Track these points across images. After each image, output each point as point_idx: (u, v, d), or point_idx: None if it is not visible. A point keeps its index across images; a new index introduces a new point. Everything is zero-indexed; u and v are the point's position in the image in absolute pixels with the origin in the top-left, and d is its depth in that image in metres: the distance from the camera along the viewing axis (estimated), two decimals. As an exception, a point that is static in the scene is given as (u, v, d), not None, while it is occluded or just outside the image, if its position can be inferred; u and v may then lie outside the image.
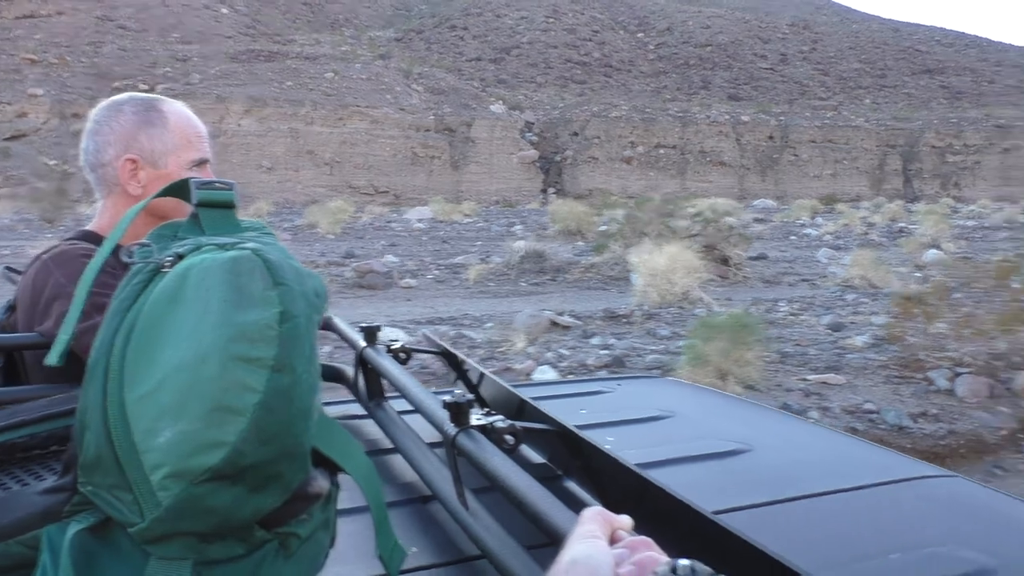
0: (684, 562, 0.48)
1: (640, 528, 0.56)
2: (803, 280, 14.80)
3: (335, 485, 0.81)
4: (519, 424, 0.94)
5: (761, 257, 17.20)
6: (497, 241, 20.24)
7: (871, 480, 1.31)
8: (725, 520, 0.69)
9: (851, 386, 6.98)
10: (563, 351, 7.87)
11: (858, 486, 1.28)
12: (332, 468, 0.80)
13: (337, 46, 70.93)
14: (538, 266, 14.51)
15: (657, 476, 0.83)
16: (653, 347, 8.21)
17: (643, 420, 1.61)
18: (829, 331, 9.16)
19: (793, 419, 1.99)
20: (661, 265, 11.02)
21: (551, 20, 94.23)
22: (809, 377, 7.08)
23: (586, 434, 0.96)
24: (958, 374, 7.03)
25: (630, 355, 7.75)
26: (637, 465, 0.87)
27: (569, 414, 1.24)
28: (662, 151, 64.91)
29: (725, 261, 14.85)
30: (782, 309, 10.63)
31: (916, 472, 1.39)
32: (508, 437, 0.92)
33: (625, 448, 1.29)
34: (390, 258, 16.72)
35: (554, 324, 9.59)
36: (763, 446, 1.47)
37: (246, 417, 0.61)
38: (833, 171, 65.22)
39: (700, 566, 0.48)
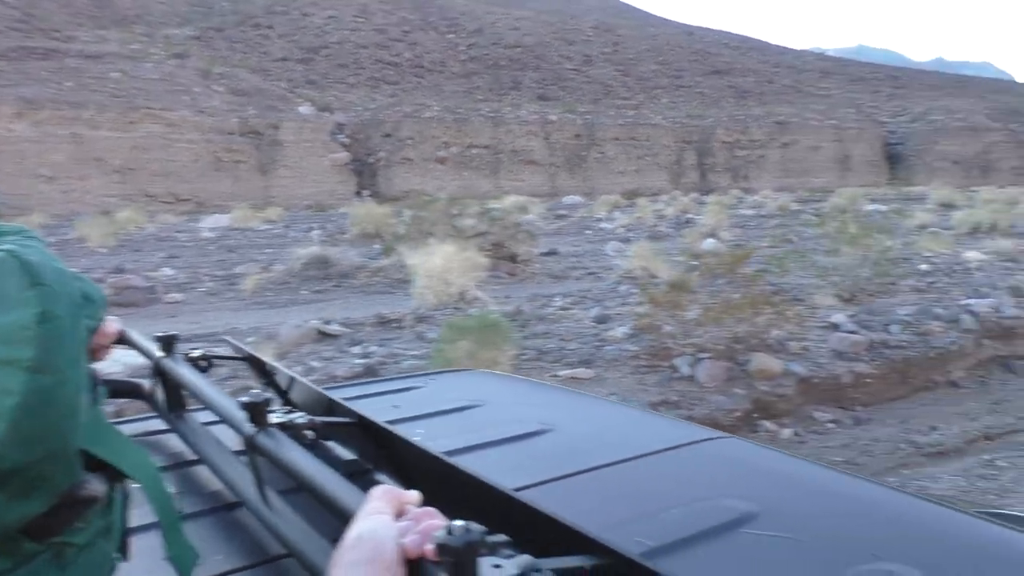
0: (458, 523, 0.51)
1: (446, 509, 0.57)
2: (589, 274, 15.15)
3: (121, 492, 0.77)
4: (319, 419, 0.95)
5: (552, 253, 17.48)
6: (291, 248, 19.34)
7: (659, 447, 1.42)
8: (525, 494, 0.75)
9: (600, 379, 7.05)
10: (315, 363, 7.44)
11: (647, 453, 1.39)
12: (114, 475, 0.76)
13: (126, 44, 65.98)
14: (323, 272, 13.93)
15: (464, 461, 0.87)
16: (416, 351, 7.95)
17: (453, 411, 1.67)
18: (595, 324, 9.30)
19: (594, 399, 2.16)
20: (437, 266, 10.81)
21: (360, 20, 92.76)
22: (560, 373, 7.08)
23: (395, 427, 0.98)
24: (700, 360, 7.29)
25: (387, 362, 7.45)
26: (445, 452, 0.90)
27: (382, 411, 1.36)
28: (475, 151, 65.49)
29: (513, 258, 14.94)
30: (556, 304, 10.73)
31: (698, 436, 1.52)
32: (308, 432, 0.92)
33: (435, 438, 1.38)
34: (166, 271, 15.52)
35: (321, 333, 9.13)
36: (564, 425, 1.56)
37: (3, 420, 0.58)
38: (637, 167, 68.44)
39: (474, 525, 0.50)
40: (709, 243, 18.33)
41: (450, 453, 1.03)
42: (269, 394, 0.97)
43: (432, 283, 10.77)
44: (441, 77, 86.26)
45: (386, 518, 0.57)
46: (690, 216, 27.27)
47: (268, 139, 56.61)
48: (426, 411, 1.64)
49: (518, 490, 0.86)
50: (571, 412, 1.76)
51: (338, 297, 12.76)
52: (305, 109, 63.66)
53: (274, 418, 0.92)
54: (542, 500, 0.71)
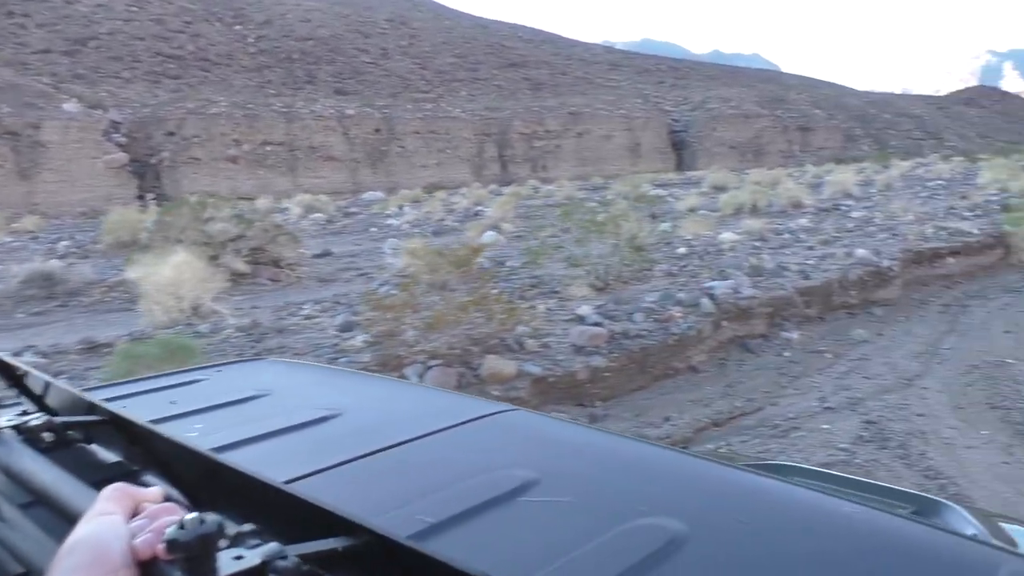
0: (192, 515, 0.48)
1: (216, 507, 0.54)
2: (361, 275, 14.38)
3: None
4: (59, 419, 0.89)
5: (325, 254, 16.57)
6: (31, 263, 17.06)
7: (447, 423, 1.42)
8: (307, 482, 0.76)
9: (318, 399, 6.39)
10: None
11: (435, 430, 1.39)
12: None
13: None
14: (47, 291, 12.22)
15: (245, 452, 0.88)
16: (116, 382, 6.88)
17: (237, 402, 1.60)
18: (338, 333, 8.60)
19: (386, 380, 2.28)
20: (167, 278, 9.65)
21: (134, 9, 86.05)
22: (272, 396, 6.35)
23: (162, 424, 0.96)
24: (430, 367, 6.79)
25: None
26: (225, 445, 0.89)
27: (159, 407, 1.33)
28: (269, 148, 62.70)
29: (277, 263, 13.91)
30: (304, 311, 9.92)
31: (487, 410, 1.52)
32: (47, 435, 0.86)
33: (216, 431, 1.34)
34: None
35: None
36: (354, 408, 1.54)
37: None
38: (438, 160, 68.29)
39: (210, 516, 0.48)
40: (489, 236, 18.13)
41: (230, 446, 1.02)
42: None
43: (162, 298, 9.61)
44: (229, 71, 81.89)
45: (114, 519, 0.52)
46: (480, 209, 27.13)
47: (28, 140, 51.07)
48: (207, 404, 1.56)
49: (302, 478, 0.87)
50: (362, 395, 1.76)
51: (62, 319, 11.20)
52: (71, 106, 57.85)
53: (3, 421, 0.84)
54: (326, 486, 0.73)
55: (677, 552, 0.96)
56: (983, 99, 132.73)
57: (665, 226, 17.88)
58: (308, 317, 9.52)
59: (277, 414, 1.48)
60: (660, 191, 32.89)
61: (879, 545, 1.05)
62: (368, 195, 52.36)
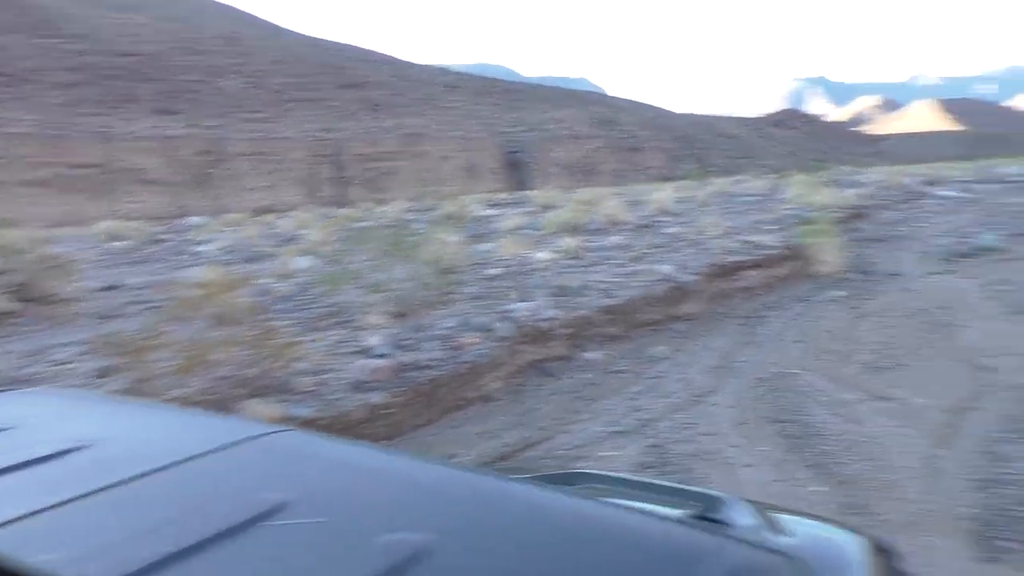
0: None
1: None
2: (150, 308, 13.10)
3: None
4: None
5: (113, 287, 15.09)
6: None
7: (213, 446, 1.35)
8: (31, 522, 0.75)
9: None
10: None
11: (195, 456, 1.31)
12: None
13: None
14: None
15: None
16: None
17: None
18: (94, 379, 7.58)
19: (160, 407, 2.17)
20: None
21: (-78, 19, 78.27)
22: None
23: None
24: (178, 417, 6.04)
25: None
26: None
27: None
28: (81, 171, 58.32)
29: (47, 299, 12.42)
30: (61, 355, 8.75)
31: (256, 431, 1.44)
32: None
33: None
34: None
35: None
36: (108, 438, 1.46)
37: None
38: (270, 183, 66.00)
39: None
40: (303, 261, 17.20)
41: None
42: None
43: None
44: (38, 87, 75.74)
45: None
46: (303, 232, 25.99)
47: None
48: None
49: (18, 520, 0.86)
50: (123, 423, 1.65)
51: None
52: None
53: None
54: (47, 528, 0.71)
55: (415, 566, 0.94)
56: (792, 120, 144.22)
57: (486, 246, 17.64)
58: (62, 362, 8.37)
59: (12, 449, 1.35)
60: (491, 211, 32.89)
61: (608, 542, 1.07)
62: (193, 219, 49.52)
